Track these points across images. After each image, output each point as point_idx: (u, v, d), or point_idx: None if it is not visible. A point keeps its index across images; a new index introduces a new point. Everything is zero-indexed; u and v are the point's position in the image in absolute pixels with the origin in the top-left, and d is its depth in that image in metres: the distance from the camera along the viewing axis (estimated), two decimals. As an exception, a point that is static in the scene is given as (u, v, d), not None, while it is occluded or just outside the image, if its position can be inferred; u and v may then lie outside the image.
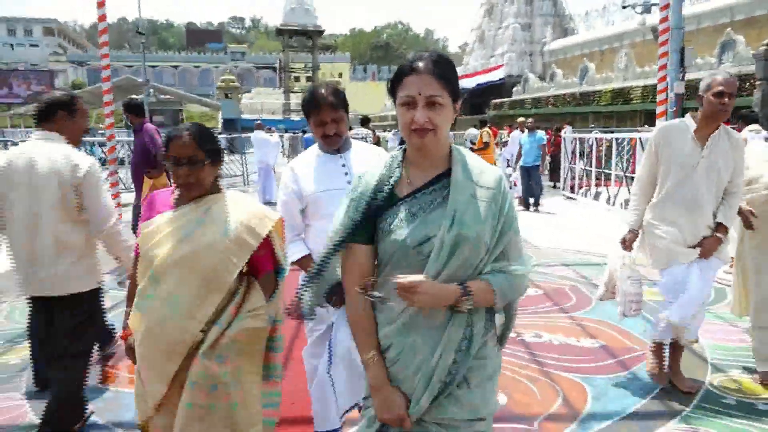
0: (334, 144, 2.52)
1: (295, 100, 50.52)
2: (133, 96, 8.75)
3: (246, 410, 1.96)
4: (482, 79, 43.06)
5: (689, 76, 24.71)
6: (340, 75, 75.74)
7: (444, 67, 1.53)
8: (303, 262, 2.49)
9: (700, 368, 3.69)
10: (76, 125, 2.80)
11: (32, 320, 2.85)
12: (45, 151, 2.63)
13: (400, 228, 1.52)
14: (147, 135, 6.34)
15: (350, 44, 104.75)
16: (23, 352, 3.91)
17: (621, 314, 3.53)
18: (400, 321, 1.55)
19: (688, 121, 3.26)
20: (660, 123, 3.29)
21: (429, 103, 1.49)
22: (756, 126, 6.05)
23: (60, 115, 2.74)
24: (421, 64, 1.51)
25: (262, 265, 2.02)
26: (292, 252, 2.53)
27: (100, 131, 24.69)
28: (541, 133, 11.63)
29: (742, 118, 6.41)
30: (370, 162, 2.21)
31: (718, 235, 3.21)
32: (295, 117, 46.76)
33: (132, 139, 7.57)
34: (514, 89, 40.19)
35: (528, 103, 35.86)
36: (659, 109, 9.39)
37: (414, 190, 1.55)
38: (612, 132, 13.98)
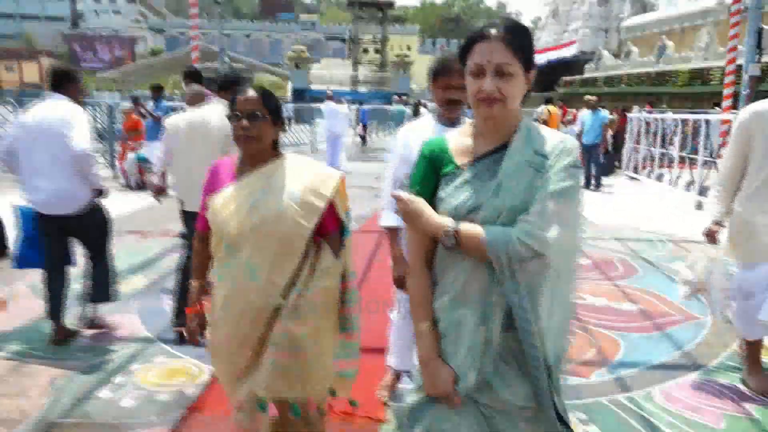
0: (455, 111, 2.56)
1: (363, 71, 50.88)
2: (207, 64, 9.20)
3: (320, 366, 2.04)
4: (553, 55, 42.13)
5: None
6: (409, 48, 75.35)
7: (517, 35, 1.47)
8: (392, 232, 2.66)
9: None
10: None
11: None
12: (209, 115, 3.72)
13: (453, 196, 1.51)
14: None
15: (421, 17, 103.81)
16: (131, 285, 4.83)
17: (716, 312, 3.36)
18: (448, 295, 1.54)
19: None
20: (751, 106, 3.08)
21: (498, 72, 1.44)
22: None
23: (233, 88, 3.80)
24: (492, 31, 1.46)
25: (328, 225, 2.04)
26: (386, 217, 2.68)
27: (174, 97, 25.76)
28: (604, 112, 11.64)
29: None
30: None
31: None
32: (362, 89, 47.17)
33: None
34: (587, 66, 39.19)
35: (600, 82, 34.98)
36: (726, 92, 9.29)
37: (474, 159, 1.53)
38: (678, 113, 13.76)
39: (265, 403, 2.02)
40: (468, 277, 1.49)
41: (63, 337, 3.66)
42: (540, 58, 41.45)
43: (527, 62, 1.48)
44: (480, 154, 1.53)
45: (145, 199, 6.49)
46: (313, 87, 45.36)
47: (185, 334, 2.21)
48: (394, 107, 20.33)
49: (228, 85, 4.00)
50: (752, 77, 10.40)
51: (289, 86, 49.35)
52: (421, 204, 1.50)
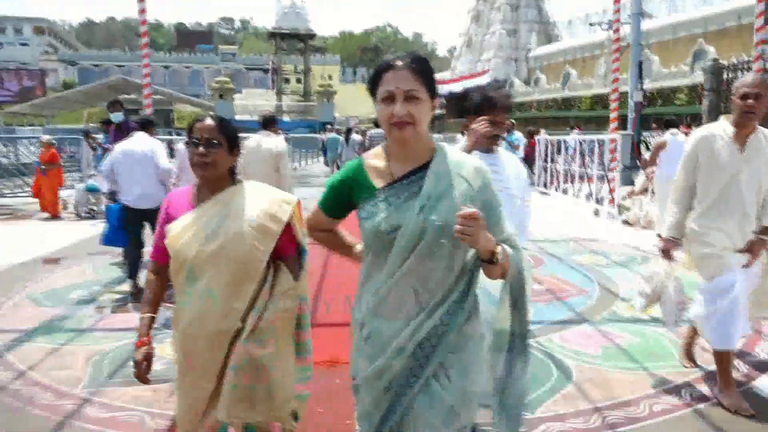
0: (495, 143, 2.67)
1: (287, 101, 51.76)
2: (125, 96, 9.97)
3: (283, 388, 2.06)
4: (469, 83, 44.49)
5: (663, 83, 26.40)
6: (330, 77, 76.88)
7: (420, 65, 1.60)
8: None
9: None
10: (276, 130, 5.94)
11: None
12: (266, 140, 5.73)
13: (375, 216, 1.60)
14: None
15: (340, 46, 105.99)
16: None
17: (670, 323, 3.54)
18: (372, 302, 1.65)
19: (725, 125, 3.23)
20: (698, 131, 3.43)
21: (407, 98, 1.56)
22: (675, 129, 7.53)
23: (274, 123, 5.94)
24: (398, 62, 1.59)
25: (286, 248, 2.08)
26: None
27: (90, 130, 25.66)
28: (517, 134, 13.11)
29: (665, 123, 7.88)
30: (513, 165, 2.69)
31: (764, 237, 3.21)
32: (287, 118, 47.93)
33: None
34: (500, 93, 41.74)
35: (513, 107, 37.42)
36: (612, 115, 10.89)
37: (393, 180, 1.63)
38: (585, 135, 15.51)
39: (226, 428, 2.07)
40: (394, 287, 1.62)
41: (137, 292, 5.20)
42: (456, 86, 43.70)
43: (431, 89, 1.61)
44: (397, 177, 1.63)
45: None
46: (238, 117, 45.83)
47: (134, 368, 2.07)
48: (328, 136, 21.31)
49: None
50: (637, 103, 12.19)
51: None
52: (482, 216, 1.51)
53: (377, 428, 1.65)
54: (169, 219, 2.08)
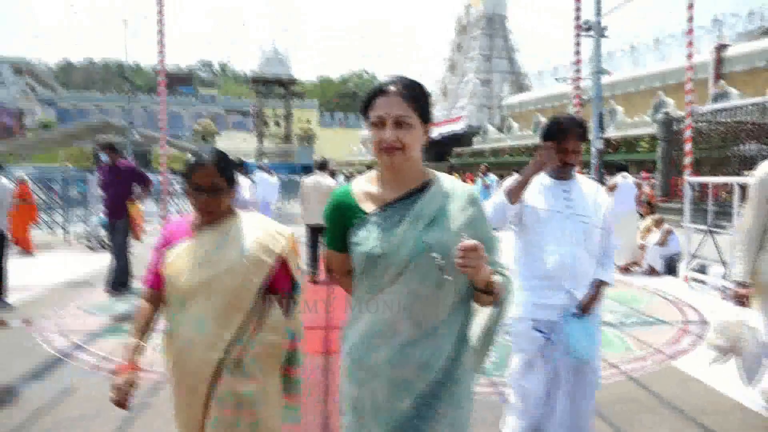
0: (568, 173, 2.61)
1: (268, 144, 52.85)
2: (102, 136, 10.88)
3: (270, 427, 2.02)
4: (445, 129, 46.09)
5: (627, 132, 28.16)
6: (308, 121, 78.23)
7: (413, 90, 1.58)
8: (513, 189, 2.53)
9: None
10: (329, 170, 7.51)
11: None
12: (324, 179, 7.61)
13: (366, 240, 1.57)
14: (131, 170, 7.47)
15: (318, 91, 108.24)
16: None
17: (751, 378, 3.25)
18: (365, 326, 1.62)
19: None
20: (764, 165, 3.26)
21: (397, 123, 1.54)
22: (625, 173, 8.73)
23: (327, 167, 7.95)
24: (390, 87, 1.57)
25: (279, 282, 2.05)
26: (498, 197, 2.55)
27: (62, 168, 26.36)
28: (492, 176, 14.35)
29: (616, 168, 9.06)
30: (590, 192, 2.62)
31: None
32: (268, 161, 48.97)
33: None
34: (474, 139, 43.39)
35: (487, 153, 38.93)
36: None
37: (383, 204, 1.60)
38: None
39: None
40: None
41: None
42: (432, 132, 45.35)
43: (424, 115, 1.59)
44: (388, 201, 1.61)
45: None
46: (219, 159, 46.60)
47: (113, 394, 1.93)
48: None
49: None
50: (598, 149, 13.50)
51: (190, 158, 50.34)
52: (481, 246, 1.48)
53: None
54: (167, 245, 2.09)
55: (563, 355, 2.51)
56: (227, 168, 2.03)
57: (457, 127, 45.73)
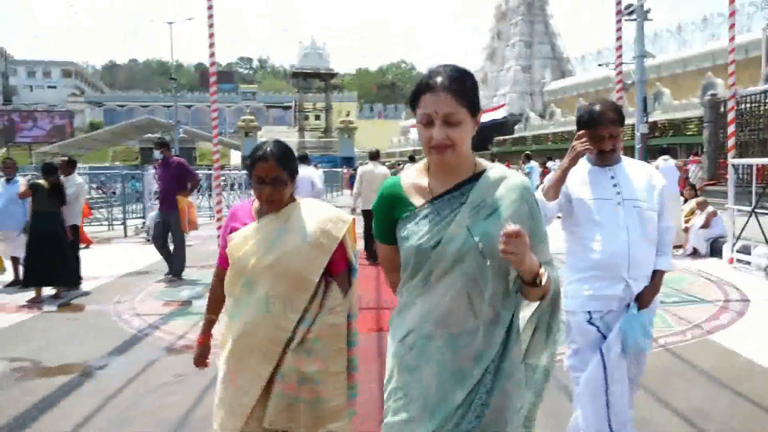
0: (609, 159, 2.53)
1: (309, 137, 53.64)
2: (149, 135, 11.41)
3: (330, 405, 2.07)
4: (486, 117, 45.95)
5: (674, 114, 27.61)
6: (348, 114, 78.86)
7: (461, 83, 1.51)
8: None
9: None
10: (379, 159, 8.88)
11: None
12: (377, 168, 8.69)
13: (416, 233, 1.55)
14: (180, 166, 8.02)
15: (357, 83, 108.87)
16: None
17: None
18: (421, 313, 1.59)
19: None
20: None
21: (447, 121, 1.49)
22: (666, 156, 8.78)
23: (379, 156, 9.15)
24: (437, 82, 1.50)
25: (337, 265, 2.13)
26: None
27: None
28: (533, 163, 14.43)
29: (660, 151, 9.12)
30: (641, 175, 2.52)
31: None
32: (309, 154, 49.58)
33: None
34: (516, 127, 43.09)
35: (529, 140, 38.65)
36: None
37: (433, 197, 1.58)
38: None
39: None
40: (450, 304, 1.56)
41: None
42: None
43: (473, 107, 1.53)
44: (437, 194, 1.58)
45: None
46: (262, 154, 47.60)
47: (195, 362, 2.31)
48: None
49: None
50: (642, 134, 13.46)
51: (231, 153, 51.74)
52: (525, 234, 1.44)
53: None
54: (233, 230, 2.18)
55: (617, 349, 2.44)
56: (289, 161, 2.11)
57: (499, 115, 45.49)
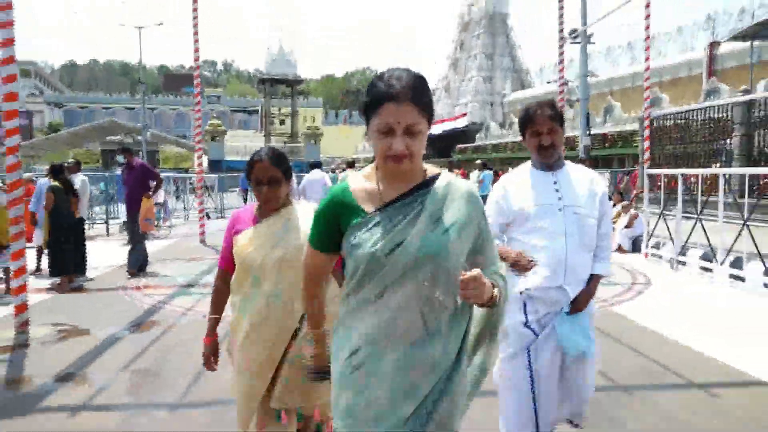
0: (550, 156, 2.55)
1: (275, 142, 54.32)
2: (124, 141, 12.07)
3: (327, 384, 2.14)
4: (448, 126, 47.31)
5: (624, 127, 29.29)
6: (314, 119, 79.47)
7: (423, 93, 1.50)
8: None
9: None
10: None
11: None
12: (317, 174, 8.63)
13: (368, 240, 1.50)
14: (143, 168, 8.52)
15: (322, 89, 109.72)
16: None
17: None
18: (369, 328, 1.53)
19: None
20: None
21: (408, 132, 1.47)
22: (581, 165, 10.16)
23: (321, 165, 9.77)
24: (400, 91, 1.46)
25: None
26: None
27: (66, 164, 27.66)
28: (486, 171, 15.66)
29: (579, 160, 10.49)
30: (583, 181, 2.59)
31: None
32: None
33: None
34: (477, 135, 44.67)
35: (489, 149, 40.20)
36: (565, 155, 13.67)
37: (385, 203, 1.54)
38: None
39: (280, 413, 2.31)
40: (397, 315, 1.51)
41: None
42: (436, 129, 46.56)
43: (431, 116, 1.53)
44: (388, 200, 1.54)
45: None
46: (227, 158, 48.22)
47: (203, 361, 2.44)
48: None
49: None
50: (585, 146, 14.98)
51: (195, 157, 52.01)
52: (480, 273, 1.45)
53: None
54: (236, 232, 2.36)
55: (554, 352, 2.52)
56: (282, 162, 2.31)
57: (461, 123, 46.87)
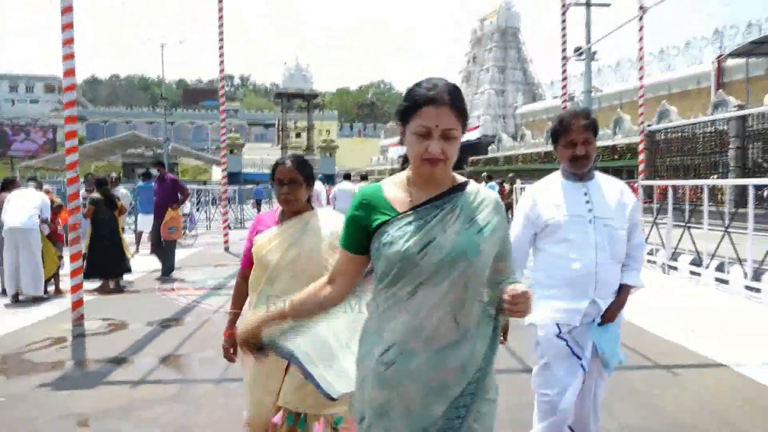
0: (582, 167, 2.51)
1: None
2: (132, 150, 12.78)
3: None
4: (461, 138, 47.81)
5: (633, 139, 29.90)
6: (328, 132, 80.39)
7: (459, 98, 1.55)
8: None
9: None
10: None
11: None
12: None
13: (401, 239, 1.53)
14: (174, 182, 9.54)
15: (337, 102, 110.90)
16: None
17: None
18: (401, 328, 1.54)
19: None
20: None
21: (445, 136, 1.51)
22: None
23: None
24: (440, 95, 1.51)
25: None
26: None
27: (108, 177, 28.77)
28: (491, 183, 16.30)
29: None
30: (613, 191, 2.57)
31: None
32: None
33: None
34: (489, 147, 45.28)
35: (501, 161, 40.76)
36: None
37: (416, 205, 1.57)
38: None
39: (293, 417, 2.36)
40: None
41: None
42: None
43: (465, 123, 1.58)
44: (418, 203, 1.57)
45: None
46: (245, 170, 49.28)
47: (223, 353, 2.60)
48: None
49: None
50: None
51: (212, 169, 53.15)
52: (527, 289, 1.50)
53: None
54: (258, 232, 2.51)
55: (589, 360, 2.51)
56: (304, 167, 2.45)
57: (473, 136, 47.49)
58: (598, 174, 2.61)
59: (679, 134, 14.01)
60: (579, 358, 2.51)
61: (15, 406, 3.92)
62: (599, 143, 26.95)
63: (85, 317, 6.13)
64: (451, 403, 1.53)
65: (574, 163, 2.50)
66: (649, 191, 10.65)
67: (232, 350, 2.57)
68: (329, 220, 2.49)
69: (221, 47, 11.35)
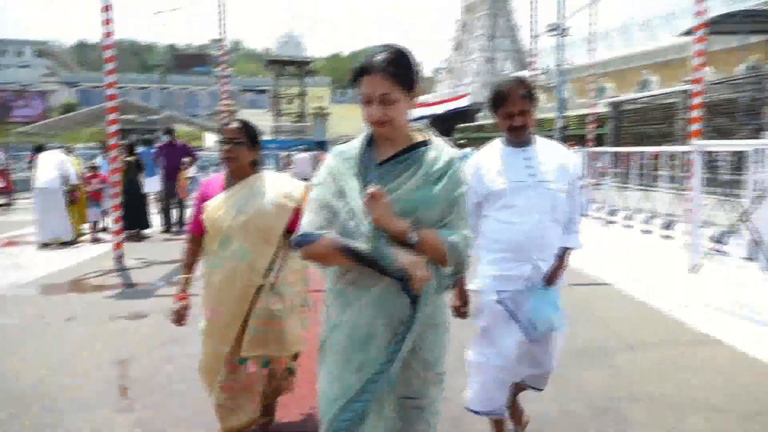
0: (521, 136, 2.54)
1: (284, 122, 56.08)
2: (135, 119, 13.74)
3: (292, 334, 2.63)
4: (450, 105, 48.58)
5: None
6: (321, 98, 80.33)
7: (396, 64, 1.64)
8: None
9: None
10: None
11: None
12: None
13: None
14: (185, 147, 10.76)
15: (329, 68, 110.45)
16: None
17: None
18: (339, 284, 1.74)
19: None
20: None
21: (383, 100, 1.64)
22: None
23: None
24: (373, 64, 1.63)
25: (294, 224, 2.26)
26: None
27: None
28: (467, 150, 17.64)
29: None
30: (553, 156, 2.60)
31: None
32: (284, 138, 51.83)
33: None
34: (478, 115, 46.16)
35: (489, 128, 41.64)
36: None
37: (383, 160, 1.74)
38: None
39: (245, 360, 2.58)
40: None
41: None
42: (439, 108, 47.82)
43: (409, 85, 1.67)
44: (383, 159, 1.74)
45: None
46: (239, 137, 49.69)
47: (173, 316, 2.68)
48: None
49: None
50: (559, 128, 17.06)
51: (205, 135, 53.91)
52: (387, 198, 1.62)
53: (348, 392, 1.67)
54: (205, 199, 2.63)
55: (526, 327, 2.53)
56: (248, 130, 2.59)
57: (462, 103, 48.11)
58: (539, 139, 2.65)
59: (640, 106, 15.44)
60: (518, 322, 2.54)
61: (92, 310, 5.45)
62: (583, 111, 28.33)
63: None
64: (397, 333, 1.68)
65: (513, 132, 2.54)
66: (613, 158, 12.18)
67: (182, 313, 2.67)
68: (276, 183, 2.66)
69: (220, 11, 12.19)
